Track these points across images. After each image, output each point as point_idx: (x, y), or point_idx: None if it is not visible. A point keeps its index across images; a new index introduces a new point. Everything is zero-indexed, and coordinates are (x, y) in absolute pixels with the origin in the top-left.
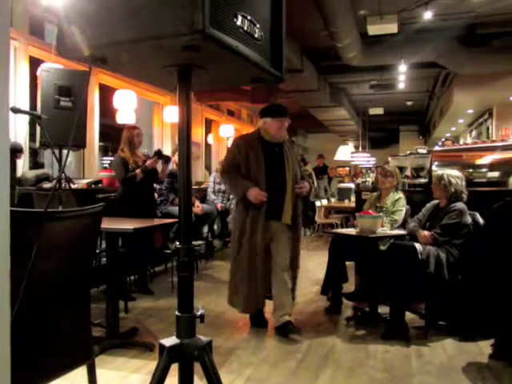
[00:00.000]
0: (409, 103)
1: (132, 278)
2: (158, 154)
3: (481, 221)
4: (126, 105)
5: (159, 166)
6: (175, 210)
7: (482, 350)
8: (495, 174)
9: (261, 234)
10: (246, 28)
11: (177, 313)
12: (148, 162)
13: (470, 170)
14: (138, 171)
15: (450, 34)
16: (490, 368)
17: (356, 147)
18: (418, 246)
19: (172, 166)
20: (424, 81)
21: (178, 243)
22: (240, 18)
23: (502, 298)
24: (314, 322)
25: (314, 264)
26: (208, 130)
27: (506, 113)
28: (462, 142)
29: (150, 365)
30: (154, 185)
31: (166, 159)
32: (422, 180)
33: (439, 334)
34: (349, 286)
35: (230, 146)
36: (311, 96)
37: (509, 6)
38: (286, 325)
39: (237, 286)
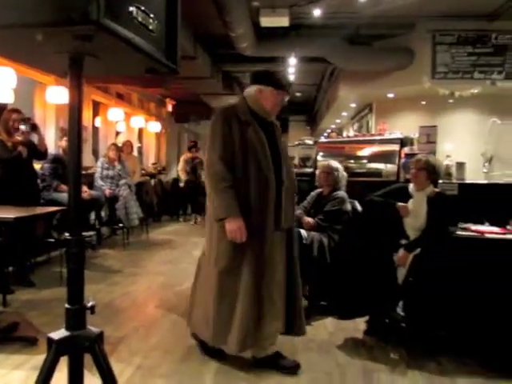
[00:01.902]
0: (298, 94)
1: (10, 269)
2: (25, 122)
3: (359, 208)
4: (3, 83)
5: (35, 138)
6: (60, 196)
7: (358, 326)
8: (374, 165)
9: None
10: (140, 19)
11: (66, 305)
12: (23, 137)
13: (352, 161)
14: (20, 148)
15: (337, 32)
16: (364, 343)
17: None
18: (302, 231)
19: (59, 150)
20: (313, 74)
21: (67, 234)
22: (135, 9)
23: (373, 279)
24: None
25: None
26: (96, 113)
27: (384, 108)
28: (345, 134)
29: (34, 359)
30: (37, 169)
31: (32, 126)
32: (308, 169)
33: (321, 314)
34: None
35: (213, 124)
36: (204, 83)
37: (390, 10)
38: (277, 357)
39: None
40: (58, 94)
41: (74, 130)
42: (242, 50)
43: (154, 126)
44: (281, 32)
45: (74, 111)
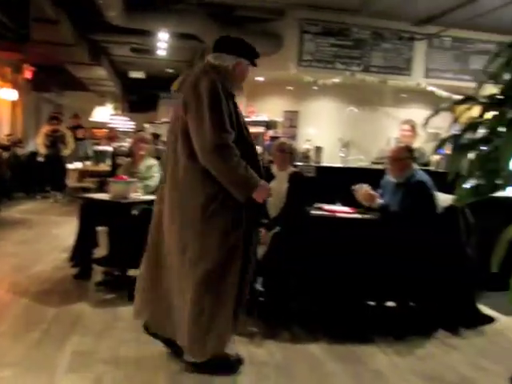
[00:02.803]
0: (170, 71)
1: None
2: None
3: None
4: None
5: None
6: None
7: None
8: None
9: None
10: None
11: None
12: None
13: None
14: None
15: (209, 10)
16: None
17: (115, 109)
18: None
19: None
20: (185, 51)
21: None
22: None
23: None
24: (62, 290)
25: (63, 230)
26: None
27: (253, 91)
28: None
29: None
30: None
31: None
32: None
33: None
34: (99, 252)
35: (208, 89)
36: (67, 51)
37: None
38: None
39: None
40: None
41: None
42: (110, 18)
43: (9, 94)
44: (152, 5)
45: None
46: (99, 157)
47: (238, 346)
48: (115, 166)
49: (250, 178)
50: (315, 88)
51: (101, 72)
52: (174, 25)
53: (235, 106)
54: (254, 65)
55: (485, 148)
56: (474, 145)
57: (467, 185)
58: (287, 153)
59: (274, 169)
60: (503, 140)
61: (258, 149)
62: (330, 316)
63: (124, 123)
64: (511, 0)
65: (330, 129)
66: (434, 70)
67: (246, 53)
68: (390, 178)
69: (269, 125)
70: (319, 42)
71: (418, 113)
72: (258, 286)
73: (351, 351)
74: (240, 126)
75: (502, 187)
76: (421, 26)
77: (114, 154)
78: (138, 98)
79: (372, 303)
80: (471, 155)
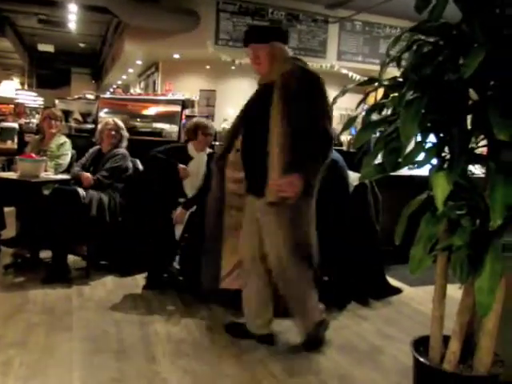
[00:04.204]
0: (82, 45)
1: None
2: None
3: (140, 167)
4: None
5: None
6: None
7: (138, 282)
8: (158, 125)
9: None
10: None
11: None
12: None
13: (136, 120)
14: None
15: None
16: (143, 297)
17: (22, 84)
18: (80, 190)
19: None
20: (98, 25)
21: None
22: None
23: (152, 236)
24: None
25: None
26: None
27: (171, 69)
28: (132, 91)
29: None
30: None
31: None
32: (89, 125)
33: (100, 273)
34: (7, 233)
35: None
36: None
37: None
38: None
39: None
40: None
41: None
42: None
43: None
44: None
45: None
46: (5, 134)
47: (155, 325)
48: (23, 144)
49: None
50: (233, 68)
51: (4, 44)
52: None
53: None
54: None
55: (388, 128)
56: (378, 124)
57: (373, 162)
58: (209, 135)
59: (191, 149)
60: (402, 119)
61: (174, 128)
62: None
63: (33, 99)
64: None
65: None
66: (347, 52)
67: (283, 35)
68: None
69: (185, 103)
70: (236, 22)
71: (333, 94)
72: (176, 265)
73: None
74: None
75: (402, 165)
76: (334, 10)
77: (21, 131)
78: (49, 72)
79: None
80: (376, 135)
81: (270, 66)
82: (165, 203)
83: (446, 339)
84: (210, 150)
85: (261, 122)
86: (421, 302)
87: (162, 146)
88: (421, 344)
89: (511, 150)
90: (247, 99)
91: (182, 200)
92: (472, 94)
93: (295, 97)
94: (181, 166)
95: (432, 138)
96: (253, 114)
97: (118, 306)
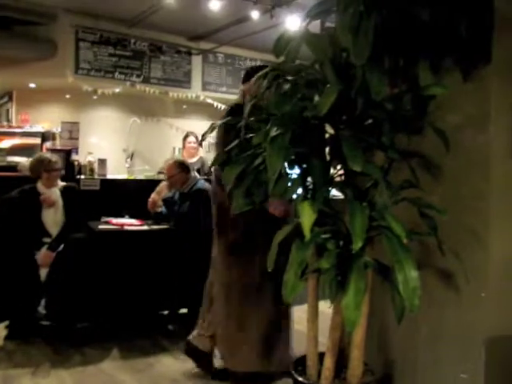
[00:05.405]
0: None
1: None
2: None
3: None
4: None
5: None
6: None
7: None
8: (15, 159)
9: None
10: None
11: None
12: None
13: None
14: None
15: None
16: (5, 349)
17: None
18: None
19: None
20: None
21: None
22: None
23: (14, 281)
24: None
25: None
26: None
27: (26, 98)
28: None
29: None
30: None
31: None
32: None
33: None
34: None
35: None
36: None
37: None
38: None
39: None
40: None
41: None
42: None
43: None
44: None
45: None
46: None
47: (21, 380)
48: None
49: None
50: (95, 97)
51: None
52: None
53: None
54: None
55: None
56: (243, 159)
57: (242, 195)
58: (53, 170)
59: (41, 187)
60: (268, 154)
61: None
62: (124, 329)
63: None
64: (273, 25)
65: (114, 140)
66: (211, 83)
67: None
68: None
69: (45, 136)
70: (97, 51)
71: (199, 123)
72: (41, 309)
73: (143, 361)
74: None
75: (271, 197)
76: (196, 42)
77: None
78: None
79: (165, 312)
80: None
81: None
82: (26, 245)
83: (321, 356)
84: (64, 184)
85: None
86: (298, 321)
87: (19, 182)
88: (299, 363)
89: (365, 178)
90: None
91: (47, 240)
92: (328, 127)
93: None
94: (42, 196)
95: (297, 170)
96: None
97: None
